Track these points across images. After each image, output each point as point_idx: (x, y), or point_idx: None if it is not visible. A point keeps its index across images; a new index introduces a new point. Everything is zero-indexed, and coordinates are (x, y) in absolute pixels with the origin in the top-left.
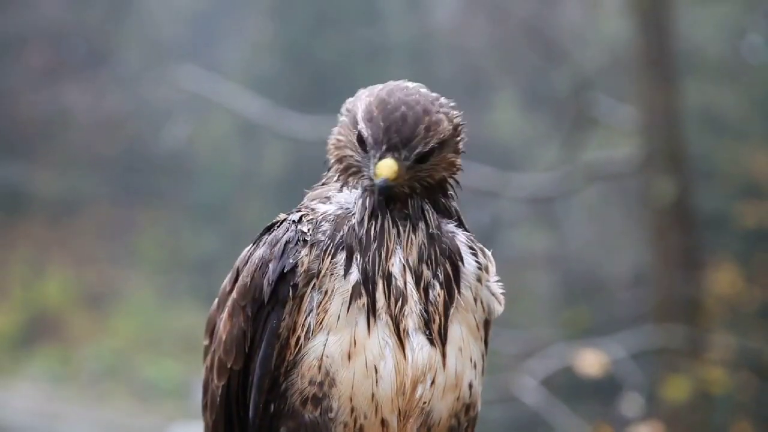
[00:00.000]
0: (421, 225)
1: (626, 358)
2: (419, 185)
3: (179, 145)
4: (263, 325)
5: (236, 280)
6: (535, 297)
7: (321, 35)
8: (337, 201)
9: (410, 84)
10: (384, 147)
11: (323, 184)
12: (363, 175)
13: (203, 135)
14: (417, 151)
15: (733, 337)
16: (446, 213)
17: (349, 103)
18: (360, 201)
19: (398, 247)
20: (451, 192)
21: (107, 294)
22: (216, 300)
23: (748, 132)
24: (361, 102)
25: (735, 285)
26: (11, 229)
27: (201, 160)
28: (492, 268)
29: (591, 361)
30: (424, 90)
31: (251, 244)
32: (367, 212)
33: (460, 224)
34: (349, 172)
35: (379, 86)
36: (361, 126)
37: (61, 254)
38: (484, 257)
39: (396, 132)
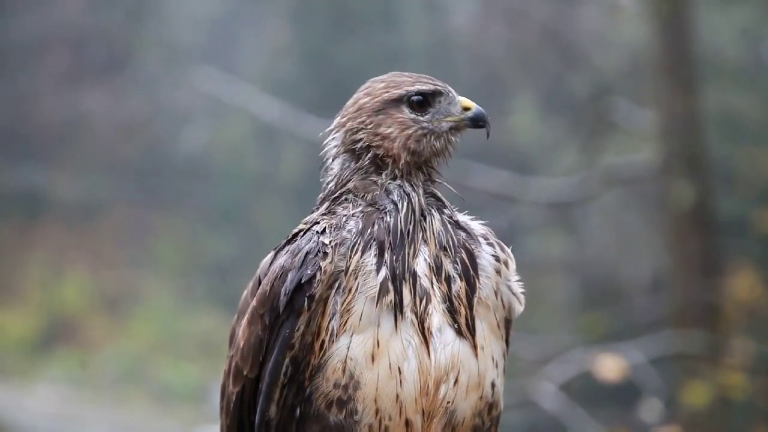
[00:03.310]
0: (438, 213)
1: (645, 364)
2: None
3: (197, 149)
4: (276, 334)
5: (257, 288)
6: (554, 302)
7: (339, 39)
8: (362, 203)
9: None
10: (450, 88)
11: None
12: (435, 133)
13: (221, 139)
14: None
15: (752, 342)
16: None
17: (351, 115)
18: (398, 194)
19: (423, 245)
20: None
21: (125, 297)
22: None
23: (767, 136)
24: (381, 90)
25: (754, 290)
26: (30, 232)
27: (219, 163)
28: (512, 265)
29: (610, 366)
30: None
31: (273, 252)
32: (409, 205)
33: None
34: (421, 146)
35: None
36: (413, 89)
37: (80, 258)
38: (503, 252)
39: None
